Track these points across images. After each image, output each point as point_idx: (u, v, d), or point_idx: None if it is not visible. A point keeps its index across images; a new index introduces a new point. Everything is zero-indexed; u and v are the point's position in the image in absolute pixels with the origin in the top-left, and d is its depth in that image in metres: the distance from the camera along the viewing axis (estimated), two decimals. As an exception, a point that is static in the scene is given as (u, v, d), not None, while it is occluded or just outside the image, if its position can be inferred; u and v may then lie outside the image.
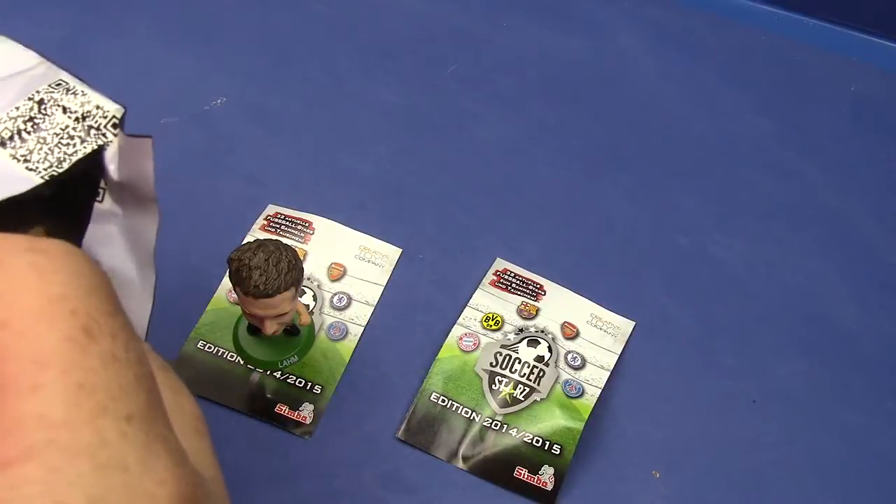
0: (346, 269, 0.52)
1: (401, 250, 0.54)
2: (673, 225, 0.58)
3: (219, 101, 0.62)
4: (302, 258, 0.51)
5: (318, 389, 0.47)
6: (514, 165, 0.60)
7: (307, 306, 0.50)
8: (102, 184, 0.26)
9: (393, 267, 0.53)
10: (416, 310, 0.52)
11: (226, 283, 0.51)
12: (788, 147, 0.64)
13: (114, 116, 0.25)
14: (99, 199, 0.26)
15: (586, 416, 0.47)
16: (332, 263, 0.53)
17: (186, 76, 0.63)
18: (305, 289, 0.51)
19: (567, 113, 0.64)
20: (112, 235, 0.26)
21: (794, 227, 0.58)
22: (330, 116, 0.62)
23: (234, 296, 0.49)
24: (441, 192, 0.58)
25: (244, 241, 0.48)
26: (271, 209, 0.55)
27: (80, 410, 0.15)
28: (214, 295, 0.50)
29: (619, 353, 0.50)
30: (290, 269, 0.41)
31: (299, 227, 0.54)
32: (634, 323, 0.52)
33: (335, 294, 0.51)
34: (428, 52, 0.67)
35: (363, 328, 0.50)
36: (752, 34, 0.72)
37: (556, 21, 0.71)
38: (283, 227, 0.54)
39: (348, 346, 0.49)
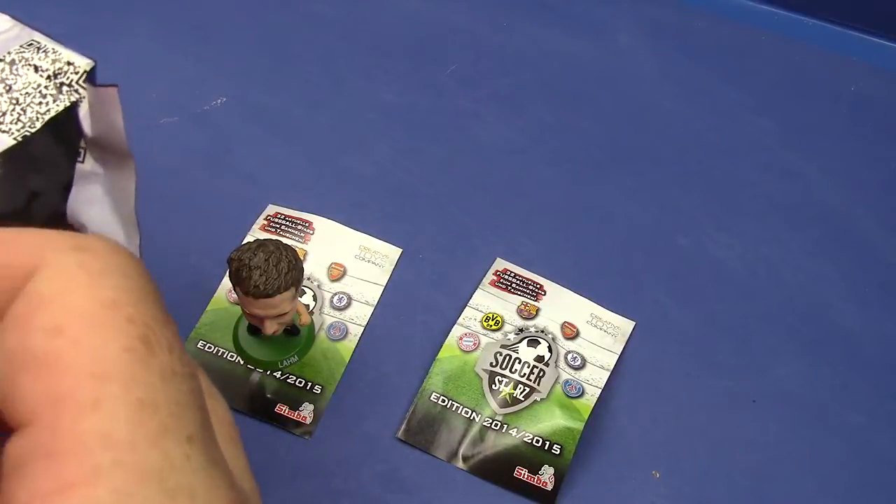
0: (346, 269, 0.52)
1: (401, 250, 0.54)
2: (673, 225, 0.58)
3: (219, 101, 0.62)
4: (302, 258, 0.51)
5: (318, 389, 0.47)
6: (514, 165, 0.60)
7: (307, 306, 0.50)
8: (82, 143, 0.26)
9: (393, 267, 0.53)
10: (416, 310, 0.52)
11: (226, 283, 0.51)
12: (788, 147, 0.64)
13: (84, 71, 0.25)
14: (80, 159, 0.26)
15: (586, 416, 0.47)
16: (332, 263, 0.53)
17: (186, 76, 0.63)
18: (305, 289, 0.51)
19: (567, 113, 0.64)
20: (96, 196, 0.26)
21: (794, 227, 0.58)
22: (330, 116, 0.62)
23: (234, 296, 0.49)
24: (441, 192, 0.58)
25: (244, 241, 0.48)
26: (271, 209, 0.55)
27: (144, 430, 0.14)
28: (214, 295, 0.50)
29: (619, 353, 0.50)
30: (290, 269, 0.41)
31: (299, 227, 0.54)
32: (634, 323, 0.52)
33: (335, 294, 0.51)
34: (428, 52, 0.67)
35: (363, 328, 0.50)
36: (752, 34, 0.72)
37: (556, 21, 0.71)
38: (283, 227, 0.54)
39: (348, 346, 0.49)
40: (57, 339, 0.14)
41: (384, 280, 0.52)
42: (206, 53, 0.65)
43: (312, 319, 0.50)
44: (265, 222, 0.54)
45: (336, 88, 0.64)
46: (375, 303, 0.51)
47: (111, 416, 0.14)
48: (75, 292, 0.14)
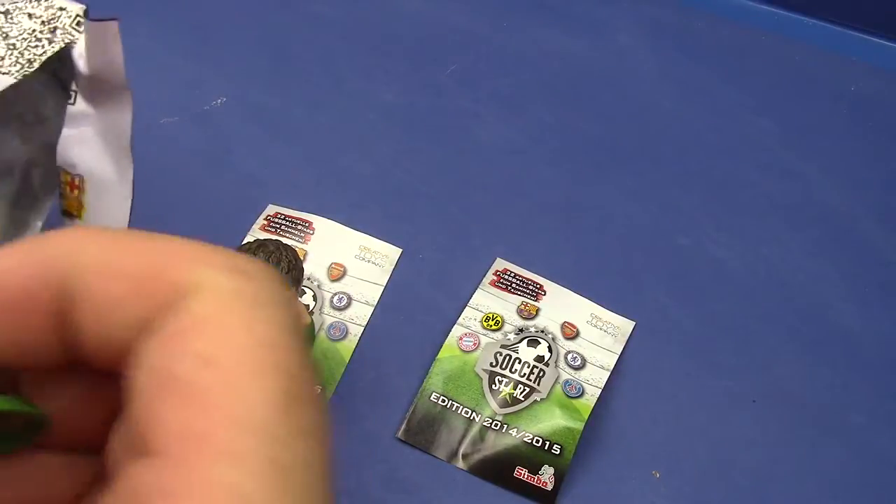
0: (346, 269, 0.52)
1: (401, 250, 0.54)
2: (673, 225, 0.58)
3: (219, 101, 0.62)
4: (302, 258, 0.51)
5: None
6: (515, 165, 0.60)
7: (307, 306, 0.50)
8: (73, 86, 0.27)
9: (393, 267, 0.53)
10: (416, 310, 0.52)
11: (226, 283, 0.51)
12: (788, 147, 0.64)
13: (77, 15, 0.27)
14: (71, 101, 0.27)
15: (586, 416, 0.47)
16: (332, 263, 0.53)
17: (186, 76, 0.63)
18: (305, 289, 0.51)
19: (567, 113, 0.64)
20: (86, 137, 0.27)
21: (794, 227, 0.58)
22: (330, 116, 0.62)
23: (234, 296, 0.49)
24: (441, 192, 0.58)
25: (244, 241, 0.48)
26: (271, 209, 0.55)
27: (269, 492, 0.13)
28: (214, 295, 0.50)
29: (619, 353, 0.50)
30: (290, 269, 0.41)
31: (299, 227, 0.54)
32: (634, 323, 0.52)
33: (335, 294, 0.51)
34: (428, 52, 0.67)
35: (363, 328, 0.50)
36: (752, 34, 0.72)
37: (556, 21, 0.71)
38: (283, 227, 0.54)
39: (348, 346, 0.49)
40: (206, 371, 0.13)
41: (384, 280, 0.52)
42: (206, 53, 0.65)
43: (312, 319, 0.50)
44: (265, 222, 0.54)
45: (336, 88, 0.64)
46: (375, 303, 0.51)
47: (242, 470, 0.13)
48: (232, 322, 0.13)
